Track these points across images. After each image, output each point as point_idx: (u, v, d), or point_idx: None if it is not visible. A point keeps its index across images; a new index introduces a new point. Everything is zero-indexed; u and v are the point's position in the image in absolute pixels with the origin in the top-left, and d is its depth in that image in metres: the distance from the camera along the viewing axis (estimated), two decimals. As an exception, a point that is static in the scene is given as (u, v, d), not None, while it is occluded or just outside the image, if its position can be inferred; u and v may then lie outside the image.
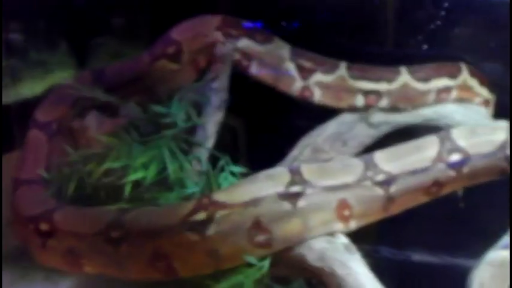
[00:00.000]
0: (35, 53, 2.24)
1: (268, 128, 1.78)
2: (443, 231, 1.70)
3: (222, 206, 1.27)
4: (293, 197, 1.30)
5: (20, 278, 1.43)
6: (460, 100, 1.61)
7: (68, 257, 1.38)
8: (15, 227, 1.49)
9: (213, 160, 1.51)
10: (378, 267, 1.24)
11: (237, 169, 1.46)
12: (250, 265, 1.30)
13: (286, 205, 1.29)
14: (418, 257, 1.78)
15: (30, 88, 2.26)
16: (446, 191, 1.39)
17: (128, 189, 1.44)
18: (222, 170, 1.46)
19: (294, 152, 1.64)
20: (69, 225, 1.39)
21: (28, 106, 2.04)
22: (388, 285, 1.22)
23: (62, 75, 2.26)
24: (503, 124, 1.41)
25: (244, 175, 1.45)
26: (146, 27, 2.02)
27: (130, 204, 1.43)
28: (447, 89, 1.59)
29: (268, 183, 1.31)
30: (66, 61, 2.28)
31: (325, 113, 1.66)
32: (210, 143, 1.55)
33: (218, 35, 1.62)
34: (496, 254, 1.22)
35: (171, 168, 1.46)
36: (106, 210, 1.41)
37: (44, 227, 1.39)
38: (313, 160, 1.59)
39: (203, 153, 1.52)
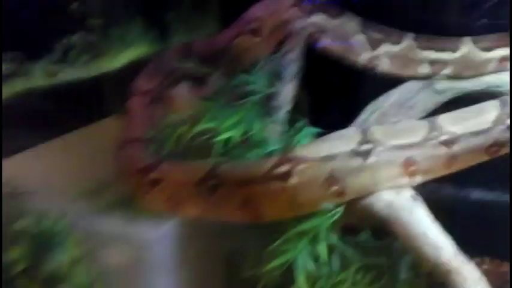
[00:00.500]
0: (114, 29, 2.50)
1: (338, 95, 1.96)
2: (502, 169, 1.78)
3: (302, 160, 1.47)
4: (364, 154, 1.49)
5: (128, 221, 1.70)
6: (522, 68, 1.72)
7: (171, 202, 1.64)
8: (124, 177, 1.77)
9: (292, 122, 1.72)
10: (438, 207, 1.42)
11: (313, 130, 1.67)
12: (325, 212, 1.52)
13: (358, 161, 1.49)
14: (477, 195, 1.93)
15: (109, 62, 2.53)
16: (505, 150, 1.53)
17: (218, 148, 1.69)
18: (300, 130, 1.67)
19: (363, 116, 1.81)
20: (173, 176, 1.65)
21: (110, 79, 2.33)
22: (447, 224, 1.39)
23: (140, 50, 2.52)
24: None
25: (319, 135, 1.66)
26: (215, 2, 2.22)
27: (221, 160, 1.68)
28: (507, 58, 1.70)
29: (342, 141, 1.50)
30: (143, 36, 2.53)
31: (389, 83, 1.83)
32: (288, 107, 1.76)
33: (294, 11, 1.81)
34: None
35: (255, 129, 1.69)
36: (203, 163, 1.66)
37: (152, 176, 1.66)
38: (381, 123, 1.77)
39: (282, 116, 1.74)
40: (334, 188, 1.49)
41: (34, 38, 2.14)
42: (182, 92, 1.93)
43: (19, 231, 1.57)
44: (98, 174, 1.93)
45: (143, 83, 1.93)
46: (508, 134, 1.50)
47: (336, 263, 1.51)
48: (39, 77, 2.24)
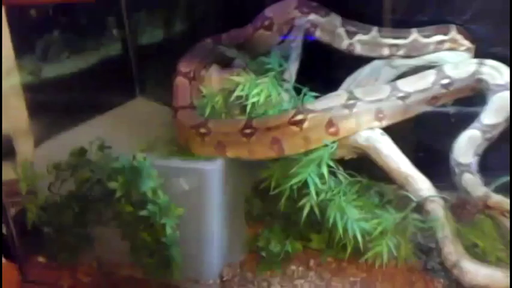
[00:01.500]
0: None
1: (327, 71, 2.71)
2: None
3: (311, 111, 2.24)
4: (350, 106, 2.26)
5: (189, 161, 2.39)
6: (451, 49, 2.52)
7: (219, 147, 2.36)
8: (181, 133, 2.48)
9: (296, 90, 2.47)
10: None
11: (313, 94, 2.43)
12: (325, 146, 2.28)
13: (346, 111, 2.26)
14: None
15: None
16: (440, 102, 2.33)
17: (249, 108, 2.42)
18: (304, 95, 2.43)
19: (344, 85, 2.58)
20: (219, 128, 2.38)
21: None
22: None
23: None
24: (475, 61, 2.34)
25: (317, 97, 2.42)
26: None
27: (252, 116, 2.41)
28: (442, 42, 2.51)
29: (336, 99, 2.27)
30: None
31: (362, 61, 2.60)
32: (293, 79, 2.51)
33: (296, 12, 2.55)
34: None
35: (273, 95, 2.43)
36: (240, 119, 2.39)
37: (203, 130, 2.38)
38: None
39: (290, 86, 2.49)
40: (332, 129, 2.26)
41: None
42: (214, 73, 2.65)
43: (116, 169, 2.26)
44: (149, 135, 2.63)
45: (184, 66, 2.62)
46: (442, 91, 2.30)
47: (333, 180, 2.29)
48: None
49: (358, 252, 2.27)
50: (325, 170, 2.25)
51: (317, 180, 2.24)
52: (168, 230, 2.23)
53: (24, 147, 2.79)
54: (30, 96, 2.79)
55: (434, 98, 2.31)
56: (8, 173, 2.54)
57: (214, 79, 2.62)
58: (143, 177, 2.25)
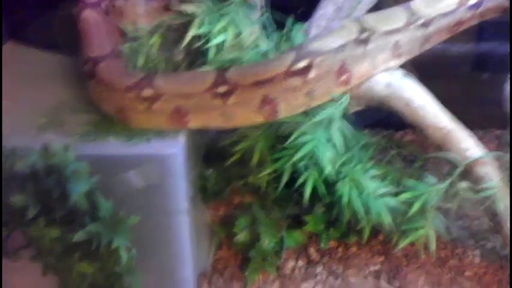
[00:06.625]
0: None
1: None
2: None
3: (319, 53, 1.53)
4: (364, 42, 1.60)
5: (126, 143, 1.57)
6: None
7: (174, 116, 1.57)
8: (106, 98, 1.61)
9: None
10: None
11: (302, 25, 1.71)
12: (334, 102, 1.62)
13: (361, 48, 1.60)
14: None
15: None
16: (461, 29, 1.79)
17: (212, 53, 1.63)
18: (291, 28, 1.70)
19: (320, 11, 1.90)
20: (174, 88, 1.56)
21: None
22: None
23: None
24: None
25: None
26: None
27: (216, 66, 1.63)
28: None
29: (345, 32, 1.59)
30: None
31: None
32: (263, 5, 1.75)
33: None
34: None
35: (244, 31, 1.66)
36: (204, 71, 1.59)
37: (147, 93, 1.55)
38: (339, 16, 1.88)
39: (263, 16, 1.73)
40: (343, 77, 1.59)
41: None
42: (138, 0, 1.77)
43: (23, 174, 1.35)
44: (44, 100, 1.72)
45: (88, -6, 1.71)
46: (468, 14, 1.75)
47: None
48: None
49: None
50: (337, 135, 1.61)
51: (328, 150, 1.59)
52: (122, 254, 1.43)
53: None
54: None
55: (457, 25, 1.75)
56: None
57: (139, 10, 1.76)
58: (69, 180, 1.38)
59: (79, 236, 1.38)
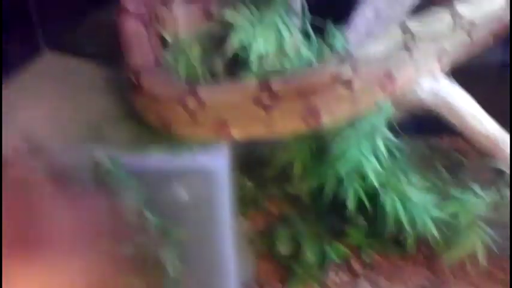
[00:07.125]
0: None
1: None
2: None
3: (362, 61, 1.50)
4: (409, 48, 1.57)
5: (171, 155, 1.56)
6: None
7: (217, 126, 1.56)
8: (151, 108, 1.61)
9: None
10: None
11: (340, 32, 1.68)
12: (378, 111, 1.59)
13: (406, 55, 1.57)
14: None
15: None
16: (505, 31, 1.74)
17: (254, 62, 1.62)
18: (330, 35, 1.67)
19: (358, 16, 1.86)
20: (218, 99, 1.55)
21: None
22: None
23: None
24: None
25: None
26: None
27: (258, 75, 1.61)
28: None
29: (389, 40, 1.56)
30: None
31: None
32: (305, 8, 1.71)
33: None
34: None
35: (286, 38, 1.64)
36: (247, 82, 1.58)
37: (191, 103, 1.54)
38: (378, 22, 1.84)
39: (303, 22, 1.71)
40: (389, 84, 1.57)
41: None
42: (180, 7, 1.77)
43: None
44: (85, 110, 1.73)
45: (132, 5, 1.71)
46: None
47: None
48: None
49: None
50: (381, 144, 1.58)
51: (373, 161, 1.56)
52: (169, 268, 1.43)
53: None
54: None
55: (503, 28, 1.71)
56: None
57: (181, 19, 1.76)
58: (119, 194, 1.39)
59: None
